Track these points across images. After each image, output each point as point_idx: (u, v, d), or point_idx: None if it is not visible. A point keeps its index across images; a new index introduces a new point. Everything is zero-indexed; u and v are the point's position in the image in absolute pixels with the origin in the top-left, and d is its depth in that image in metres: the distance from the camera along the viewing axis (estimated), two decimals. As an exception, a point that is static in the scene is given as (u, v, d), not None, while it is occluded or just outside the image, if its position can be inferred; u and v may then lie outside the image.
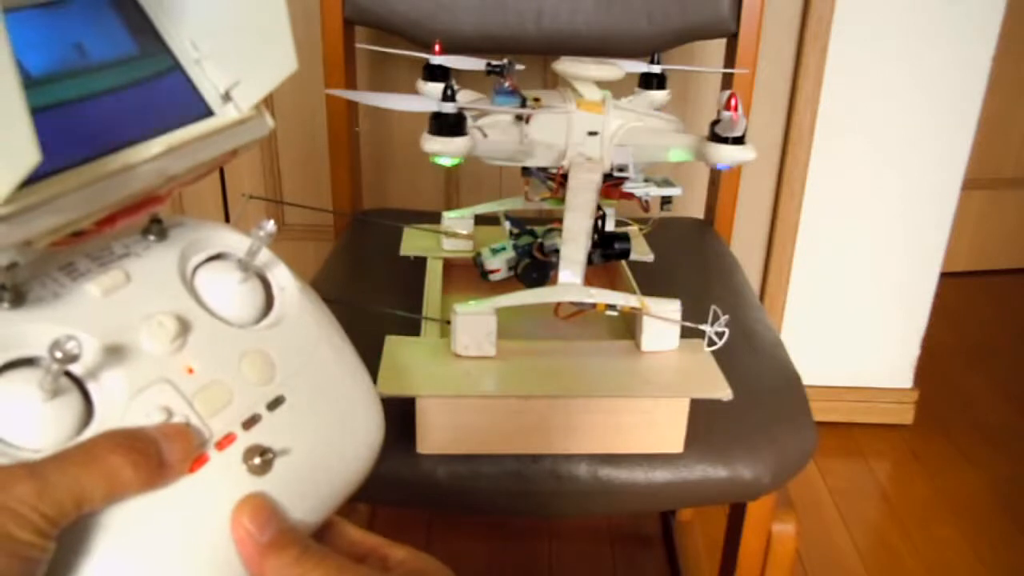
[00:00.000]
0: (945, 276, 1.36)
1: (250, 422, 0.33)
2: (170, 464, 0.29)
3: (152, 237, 0.35)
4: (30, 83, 0.30)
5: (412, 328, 0.63)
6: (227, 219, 1.29)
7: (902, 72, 1.19)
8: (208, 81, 0.37)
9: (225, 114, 0.37)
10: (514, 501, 0.60)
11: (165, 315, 0.32)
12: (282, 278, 0.38)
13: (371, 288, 0.80)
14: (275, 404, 0.34)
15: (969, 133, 1.23)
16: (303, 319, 0.38)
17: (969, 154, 1.25)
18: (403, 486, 0.59)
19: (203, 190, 1.26)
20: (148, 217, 0.35)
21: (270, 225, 0.35)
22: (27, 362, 0.29)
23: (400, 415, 0.57)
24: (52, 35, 0.32)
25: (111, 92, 0.33)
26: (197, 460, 0.31)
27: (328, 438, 0.36)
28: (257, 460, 0.32)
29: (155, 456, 0.29)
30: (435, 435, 0.58)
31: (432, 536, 1.19)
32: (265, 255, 0.37)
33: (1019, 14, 1.69)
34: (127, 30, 0.35)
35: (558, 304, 0.68)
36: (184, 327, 0.33)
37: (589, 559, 1.15)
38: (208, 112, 0.37)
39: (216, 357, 0.33)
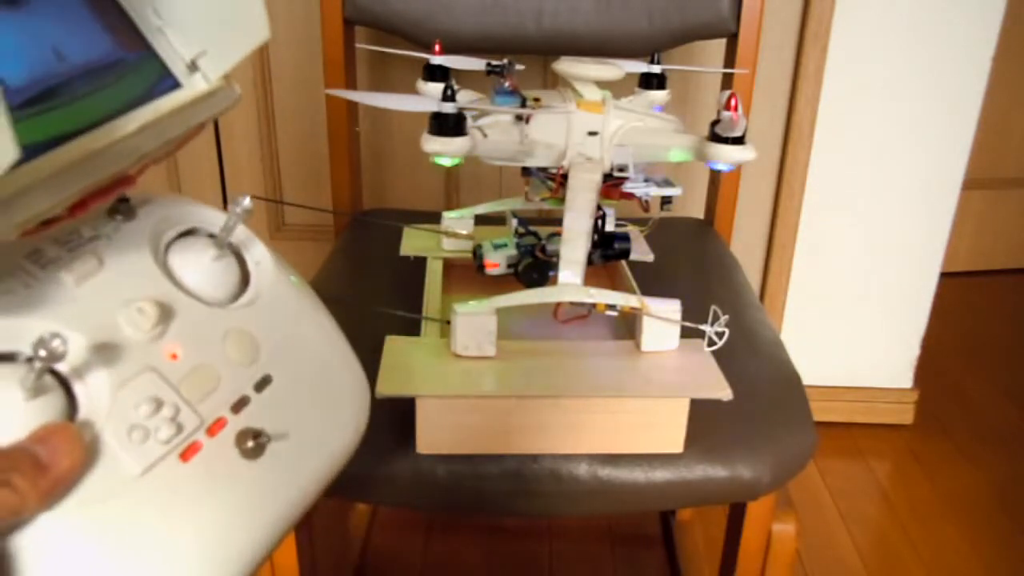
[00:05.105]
0: (945, 276, 1.36)
1: (239, 405, 0.32)
2: (54, 464, 0.26)
3: (120, 217, 0.34)
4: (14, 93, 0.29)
5: (412, 328, 0.63)
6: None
7: (902, 72, 1.19)
8: (173, 50, 0.35)
9: (193, 85, 0.35)
10: (514, 501, 0.60)
11: (145, 301, 0.31)
12: (257, 253, 0.37)
13: (371, 288, 0.80)
14: (262, 384, 0.33)
15: (969, 133, 1.23)
16: (281, 294, 0.37)
17: (969, 154, 1.25)
18: (403, 486, 0.59)
19: (203, 191, 1.26)
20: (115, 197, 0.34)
21: (246, 201, 0.34)
22: (3, 357, 0.28)
23: (400, 415, 0.58)
24: (26, 40, 0.30)
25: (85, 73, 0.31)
26: (190, 448, 0.30)
27: (317, 415, 0.35)
28: (250, 443, 0.31)
29: (29, 466, 0.26)
30: (435, 435, 0.58)
31: (432, 536, 1.19)
32: (241, 232, 0.36)
33: (1019, 14, 1.69)
34: (102, 26, 0.33)
35: (557, 306, 0.69)
36: (164, 312, 0.31)
37: (589, 559, 1.15)
38: (175, 84, 0.35)
39: (199, 340, 0.32)
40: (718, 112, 0.58)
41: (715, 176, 0.99)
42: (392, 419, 0.59)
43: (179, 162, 1.25)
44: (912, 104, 1.21)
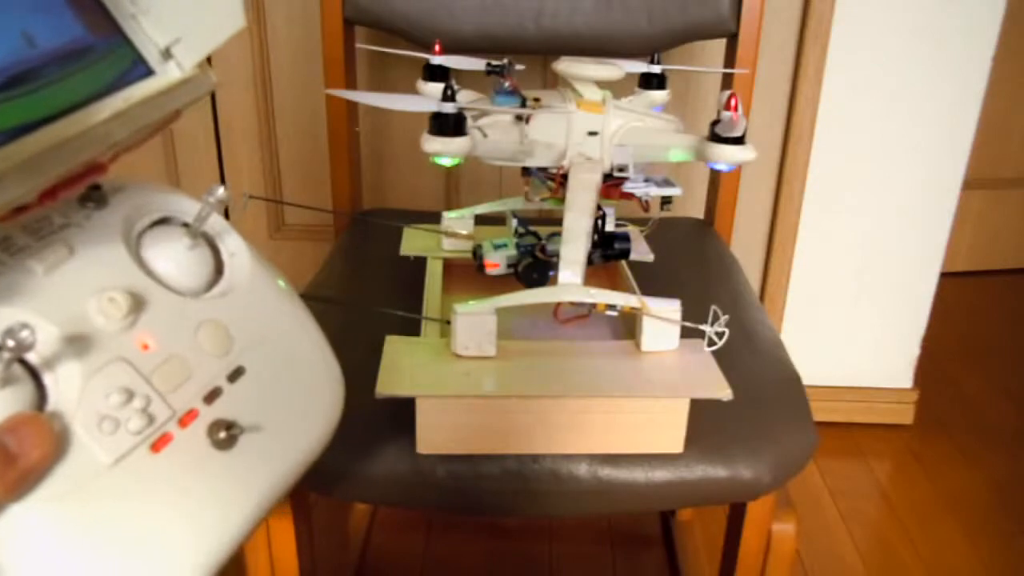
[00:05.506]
0: (945, 276, 1.36)
1: (211, 396, 0.32)
2: (22, 455, 0.26)
3: (91, 204, 0.33)
4: None
5: (412, 328, 0.63)
6: (227, 219, 1.29)
7: (902, 72, 1.19)
8: (146, 37, 0.34)
9: (166, 73, 0.35)
10: (514, 501, 0.60)
11: (116, 290, 0.31)
12: (232, 244, 0.37)
13: (371, 288, 0.80)
14: (235, 375, 0.33)
15: (969, 133, 1.23)
16: (256, 285, 0.36)
17: (969, 154, 1.25)
18: (403, 486, 0.59)
19: (203, 191, 1.26)
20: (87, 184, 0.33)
21: (220, 191, 0.33)
22: None
23: (400, 415, 0.57)
24: None
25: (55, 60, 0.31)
26: (161, 439, 0.30)
27: (290, 406, 0.35)
28: (222, 435, 0.31)
29: None
30: (435, 435, 0.58)
31: (432, 536, 1.19)
32: (216, 222, 0.36)
33: (1019, 14, 1.69)
34: (73, 11, 0.32)
35: (557, 306, 0.69)
36: (136, 301, 0.31)
37: (589, 559, 1.15)
38: (148, 71, 0.34)
39: (171, 330, 0.32)
40: (718, 112, 0.58)
41: (715, 176, 0.99)
42: (392, 419, 0.59)
43: (179, 162, 1.25)
44: (912, 104, 1.21)
